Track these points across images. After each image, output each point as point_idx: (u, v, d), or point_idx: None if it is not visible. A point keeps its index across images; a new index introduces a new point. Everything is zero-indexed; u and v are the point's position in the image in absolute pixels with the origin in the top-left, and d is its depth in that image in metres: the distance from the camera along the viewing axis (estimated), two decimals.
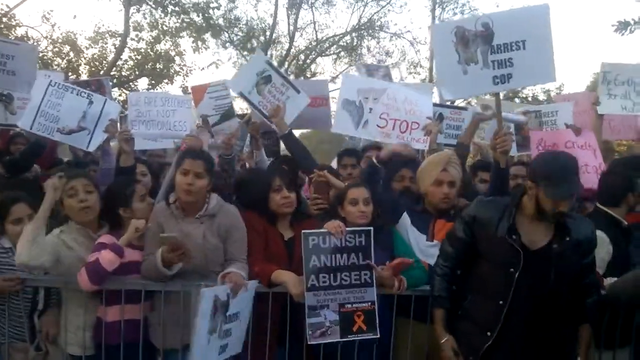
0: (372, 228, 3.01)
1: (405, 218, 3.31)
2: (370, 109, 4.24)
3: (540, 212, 2.55)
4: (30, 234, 2.78)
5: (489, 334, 2.59)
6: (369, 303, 2.91)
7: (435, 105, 5.40)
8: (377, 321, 2.89)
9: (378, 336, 2.88)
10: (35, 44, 14.84)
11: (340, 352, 2.97)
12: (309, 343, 2.81)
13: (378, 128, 4.13)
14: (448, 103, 5.32)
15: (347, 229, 2.98)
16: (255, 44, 21.03)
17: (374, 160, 3.67)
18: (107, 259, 2.80)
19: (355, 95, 4.27)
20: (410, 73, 22.63)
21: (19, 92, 5.07)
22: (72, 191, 3.01)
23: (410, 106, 4.26)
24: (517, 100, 17.36)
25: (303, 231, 2.95)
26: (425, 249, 3.20)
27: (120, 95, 17.39)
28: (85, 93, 4.59)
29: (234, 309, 2.80)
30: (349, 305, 2.89)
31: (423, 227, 3.27)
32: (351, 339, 2.87)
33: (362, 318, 2.88)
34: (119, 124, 4.79)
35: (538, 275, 2.55)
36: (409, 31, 27.73)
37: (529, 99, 20.02)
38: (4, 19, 13.43)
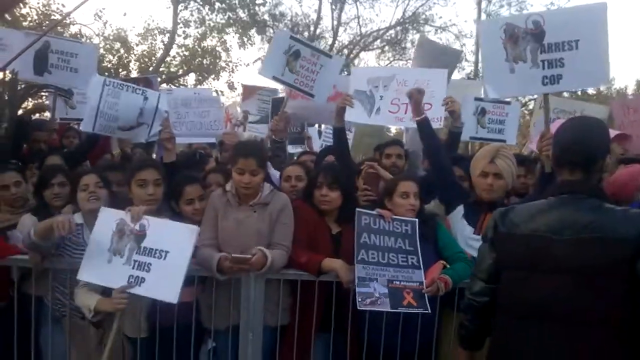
0: (417, 220, 3.16)
1: (460, 210, 3.35)
2: (381, 96, 4.26)
3: None
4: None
5: None
6: (417, 283, 2.97)
7: (477, 99, 5.39)
8: (427, 298, 2.92)
9: (429, 311, 2.90)
10: (88, 41, 15.47)
11: (383, 341, 3.04)
12: (358, 308, 2.85)
13: (390, 114, 4.17)
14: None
15: (395, 217, 3.15)
16: None
17: None
18: None
19: (365, 85, 4.29)
20: (455, 67, 22.29)
21: (80, 89, 5.34)
22: (142, 182, 3.21)
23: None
24: (565, 94, 16.82)
25: (357, 209, 3.13)
26: (469, 240, 3.22)
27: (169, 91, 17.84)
28: (139, 90, 4.62)
29: (156, 244, 2.88)
30: (398, 282, 2.97)
31: (474, 219, 3.28)
32: (401, 311, 2.90)
33: (411, 295, 2.92)
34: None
35: None
36: (454, 24, 27.49)
37: (579, 92, 19.36)
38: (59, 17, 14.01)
